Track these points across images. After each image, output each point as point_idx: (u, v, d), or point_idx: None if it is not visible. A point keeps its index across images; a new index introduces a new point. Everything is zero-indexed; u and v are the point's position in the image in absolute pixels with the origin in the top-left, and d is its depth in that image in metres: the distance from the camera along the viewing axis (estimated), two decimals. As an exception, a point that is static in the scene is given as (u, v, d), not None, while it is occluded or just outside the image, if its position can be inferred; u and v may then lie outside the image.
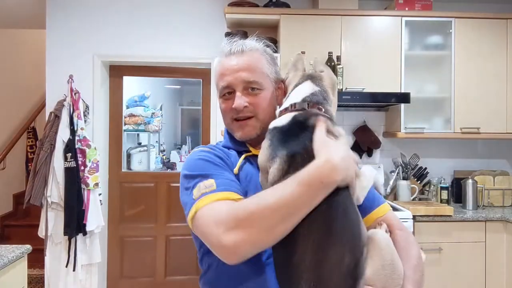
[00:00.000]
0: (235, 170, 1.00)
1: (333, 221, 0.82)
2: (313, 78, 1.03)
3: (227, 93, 1.05)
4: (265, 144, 0.94)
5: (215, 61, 1.10)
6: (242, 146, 1.08)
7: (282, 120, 0.95)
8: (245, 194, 0.94)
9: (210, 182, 0.89)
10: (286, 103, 1.01)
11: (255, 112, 1.04)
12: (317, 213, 0.80)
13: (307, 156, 0.85)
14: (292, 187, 0.79)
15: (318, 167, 0.80)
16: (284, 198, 0.78)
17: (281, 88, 1.11)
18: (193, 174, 0.94)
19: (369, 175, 1.05)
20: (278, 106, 1.09)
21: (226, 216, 0.80)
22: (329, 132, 0.91)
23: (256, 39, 1.11)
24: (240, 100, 1.02)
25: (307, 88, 1.00)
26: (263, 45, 1.10)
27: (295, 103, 0.97)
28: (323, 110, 0.96)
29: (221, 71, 1.06)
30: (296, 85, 1.03)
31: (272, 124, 0.96)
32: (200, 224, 0.85)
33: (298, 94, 1.00)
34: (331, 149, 0.83)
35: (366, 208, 1.03)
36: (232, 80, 1.03)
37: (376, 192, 1.10)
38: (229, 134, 1.12)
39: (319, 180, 0.79)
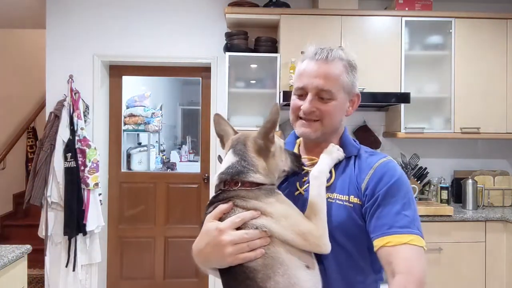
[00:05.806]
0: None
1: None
2: (235, 145, 1.04)
3: (300, 94, 1.11)
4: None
5: (301, 57, 1.14)
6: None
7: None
8: None
9: None
10: (217, 174, 1.04)
11: (322, 117, 1.09)
12: None
13: None
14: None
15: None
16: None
17: (353, 101, 1.16)
18: None
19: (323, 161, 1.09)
20: (344, 117, 1.16)
21: None
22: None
23: (343, 50, 1.12)
24: (308, 105, 1.08)
25: (226, 160, 1.03)
26: (347, 57, 1.11)
27: (215, 184, 1.03)
28: (242, 182, 0.98)
29: (300, 72, 1.11)
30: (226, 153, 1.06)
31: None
32: None
33: (221, 166, 1.04)
34: (199, 238, 0.99)
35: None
36: (308, 84, 1.08)
37: (382, 220, 1.01)
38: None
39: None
